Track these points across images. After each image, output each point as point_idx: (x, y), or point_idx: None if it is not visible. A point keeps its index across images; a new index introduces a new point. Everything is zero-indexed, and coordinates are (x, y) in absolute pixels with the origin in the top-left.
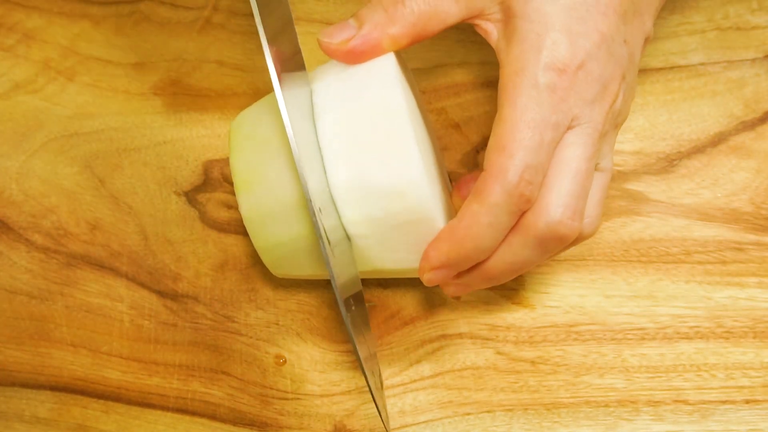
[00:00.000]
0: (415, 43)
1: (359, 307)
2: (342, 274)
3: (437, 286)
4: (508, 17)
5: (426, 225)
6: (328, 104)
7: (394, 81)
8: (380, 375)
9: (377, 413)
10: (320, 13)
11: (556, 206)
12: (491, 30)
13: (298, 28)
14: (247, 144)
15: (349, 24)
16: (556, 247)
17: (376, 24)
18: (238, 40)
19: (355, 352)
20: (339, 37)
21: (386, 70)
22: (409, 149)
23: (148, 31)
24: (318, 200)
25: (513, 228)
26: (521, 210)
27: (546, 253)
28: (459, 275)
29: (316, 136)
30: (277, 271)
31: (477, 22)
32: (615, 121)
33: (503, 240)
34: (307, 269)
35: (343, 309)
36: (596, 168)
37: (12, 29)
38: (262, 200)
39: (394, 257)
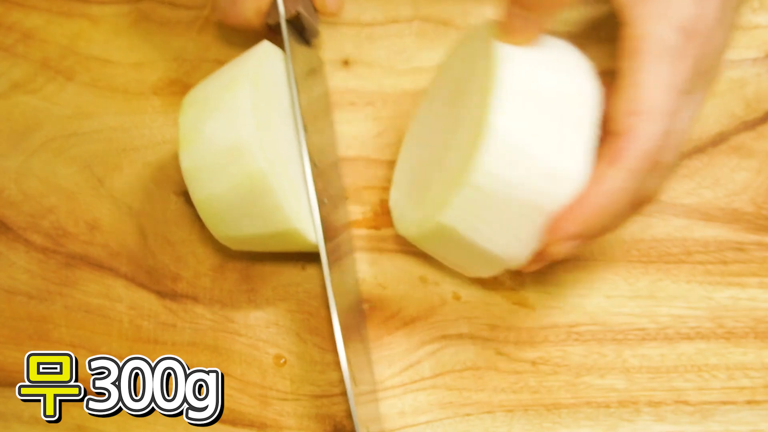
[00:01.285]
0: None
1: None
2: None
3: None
4: None
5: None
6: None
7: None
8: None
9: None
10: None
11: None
12: None
13: None
14: (190, 107)
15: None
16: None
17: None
18: (238, 40)
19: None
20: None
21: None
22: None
23: (147, 30)
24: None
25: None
26: (654, 174)
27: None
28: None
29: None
30: (219, 231)
31: None
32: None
33: None
34: (244, 228)
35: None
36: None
37: (11, 28)
38: (200, 153)
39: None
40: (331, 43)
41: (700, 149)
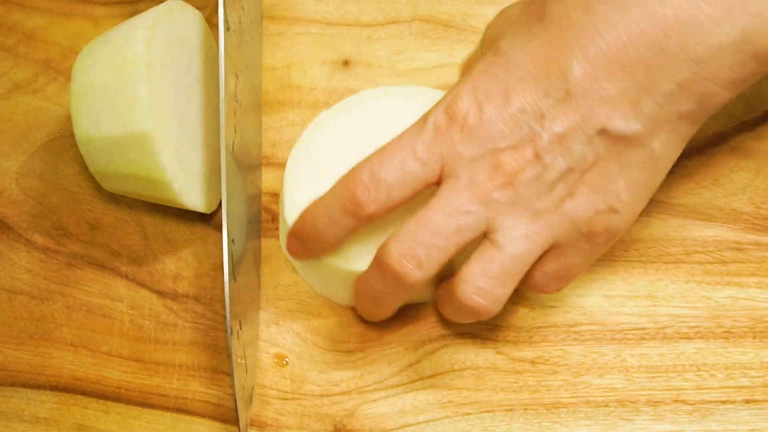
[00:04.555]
0: None
1: None
2: None
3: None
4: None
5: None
6: None
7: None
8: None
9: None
10: (320, 13)
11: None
12: None
13: (297, 28)
14: (89, 54)
15: None
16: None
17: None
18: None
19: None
20: None
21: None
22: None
23: None
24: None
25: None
26: (353, 210)
27: None
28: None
29: None
30: (93, 167)
31: None
32: (530, 208)
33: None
34: (120, 167)
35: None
36: (491, 240)
37: (12, 29)
38: (87, 95)
39: None
40: (331, 43)
41: (698, 149)
